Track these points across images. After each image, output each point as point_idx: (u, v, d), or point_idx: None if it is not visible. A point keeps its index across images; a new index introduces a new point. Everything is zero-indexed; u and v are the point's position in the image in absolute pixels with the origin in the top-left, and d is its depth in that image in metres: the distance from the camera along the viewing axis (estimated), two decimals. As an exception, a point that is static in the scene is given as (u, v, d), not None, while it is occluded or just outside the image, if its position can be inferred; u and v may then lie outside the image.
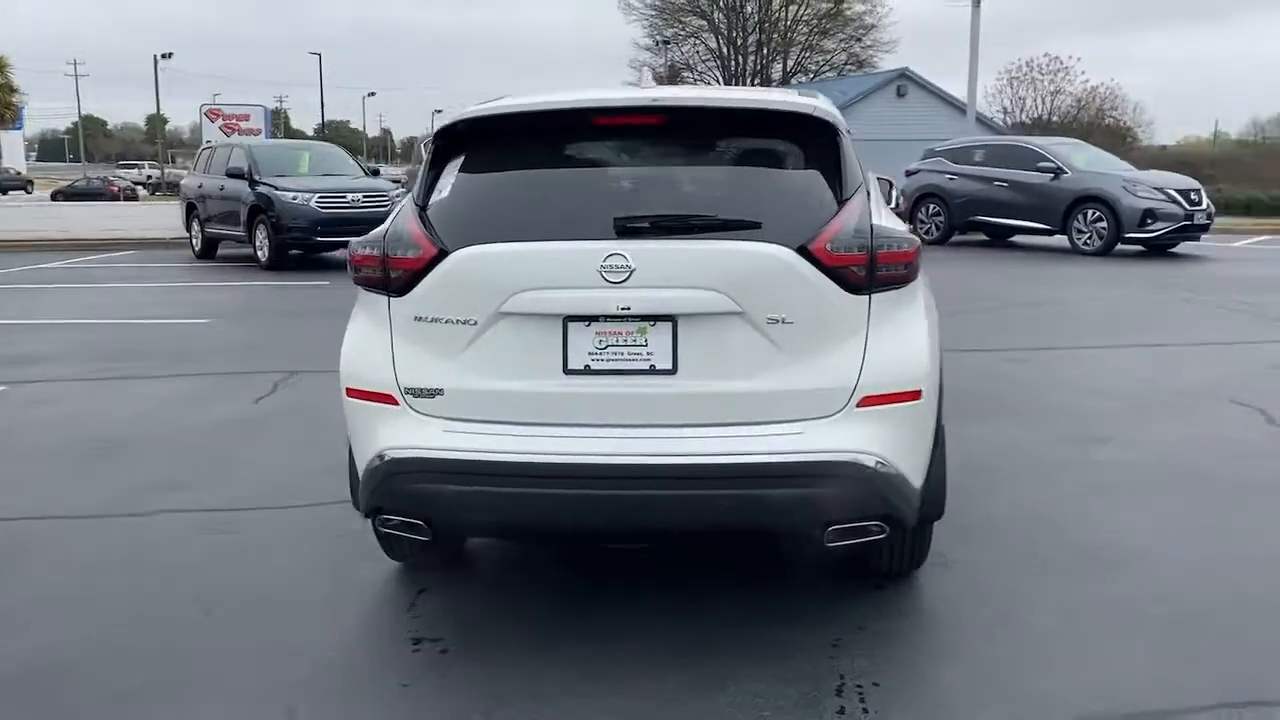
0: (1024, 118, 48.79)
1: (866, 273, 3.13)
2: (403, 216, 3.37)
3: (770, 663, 3.30)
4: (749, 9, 62.44)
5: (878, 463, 3.10)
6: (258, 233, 14.85)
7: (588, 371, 3.14)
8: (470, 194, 3.36)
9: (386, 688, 3.22)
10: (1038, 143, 18.44)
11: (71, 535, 4.52)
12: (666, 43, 61.78)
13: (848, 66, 60.86)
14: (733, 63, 62.88)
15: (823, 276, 3.10)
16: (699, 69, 65.58)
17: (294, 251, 14.87)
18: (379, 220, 13.60)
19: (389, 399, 3.26)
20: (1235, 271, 14.58)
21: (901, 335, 3.21)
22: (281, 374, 7.65)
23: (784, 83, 57.93)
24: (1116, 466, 5.31)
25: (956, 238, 18.52)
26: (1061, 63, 51.98)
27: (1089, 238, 16.29)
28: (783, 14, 62.23)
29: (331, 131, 78.62)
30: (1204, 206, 16.40)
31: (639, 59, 65.01)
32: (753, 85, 58.15)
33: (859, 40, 61.11)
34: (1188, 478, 5.15)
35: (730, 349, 3.11)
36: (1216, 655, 3.33)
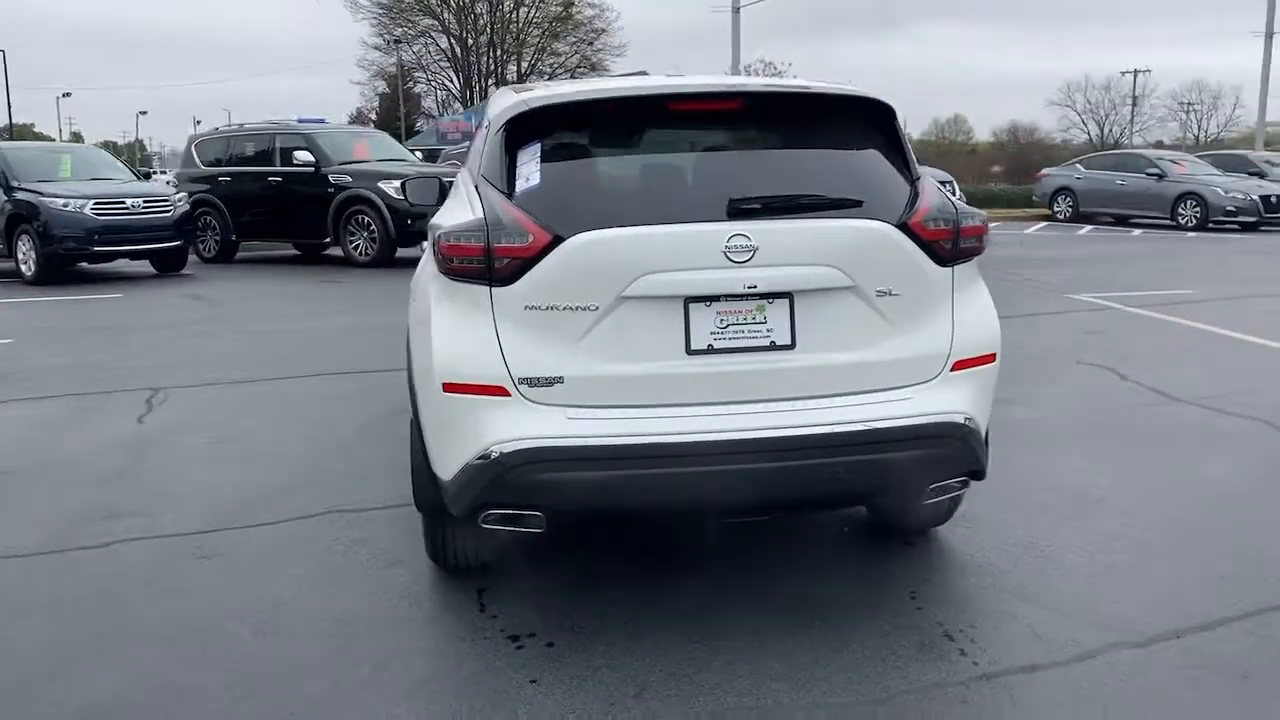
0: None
1: (952, 246, 3.36)
2: (495, 204, 3.25)
3: (867, 621, 3.48)
4: (479, 9, 62.23)
5: (967, 419, 3.34)
6: (20, 244, 13.37)
7: (710, 351, 3.19)
8: (568, 180, 3.33)
9: (516, 686, 3.13)
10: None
11: (33, 574, 4.03)
12: (397, 42, 60.47)
13: (580, 69, 61.93)
14: (466, 64, 62.47)
15: (919, 250, 3.30)
16: (432, 69, 64.79)
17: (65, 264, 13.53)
18: (165, 227, 12.85)
19: (499, 390, 3.15)
20: (995, 253, 16.13)
21: (977, 303, 3.47)
22: (146, 391, 7.03)
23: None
24: (1033, 423, 5.88)
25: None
26: (776, 68, 55.17)
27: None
28: (514, 16, 62.46)
29: (15, 135, 71.50)
30: (957, 195, 18.04)
31: (368, 58, 63.49)
32: (489, 87, 58.20)
33: (590, 44, 62.36)
34: (1092, 428, 5.80)
35: (843, 321, 3.25)
36: (1228, 568, 3.83)
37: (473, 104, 54.29)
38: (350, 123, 43.50)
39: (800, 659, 3.23)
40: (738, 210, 3.18)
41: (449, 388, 3.21)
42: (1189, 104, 78.28)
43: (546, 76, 60.76)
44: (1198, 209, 20.89)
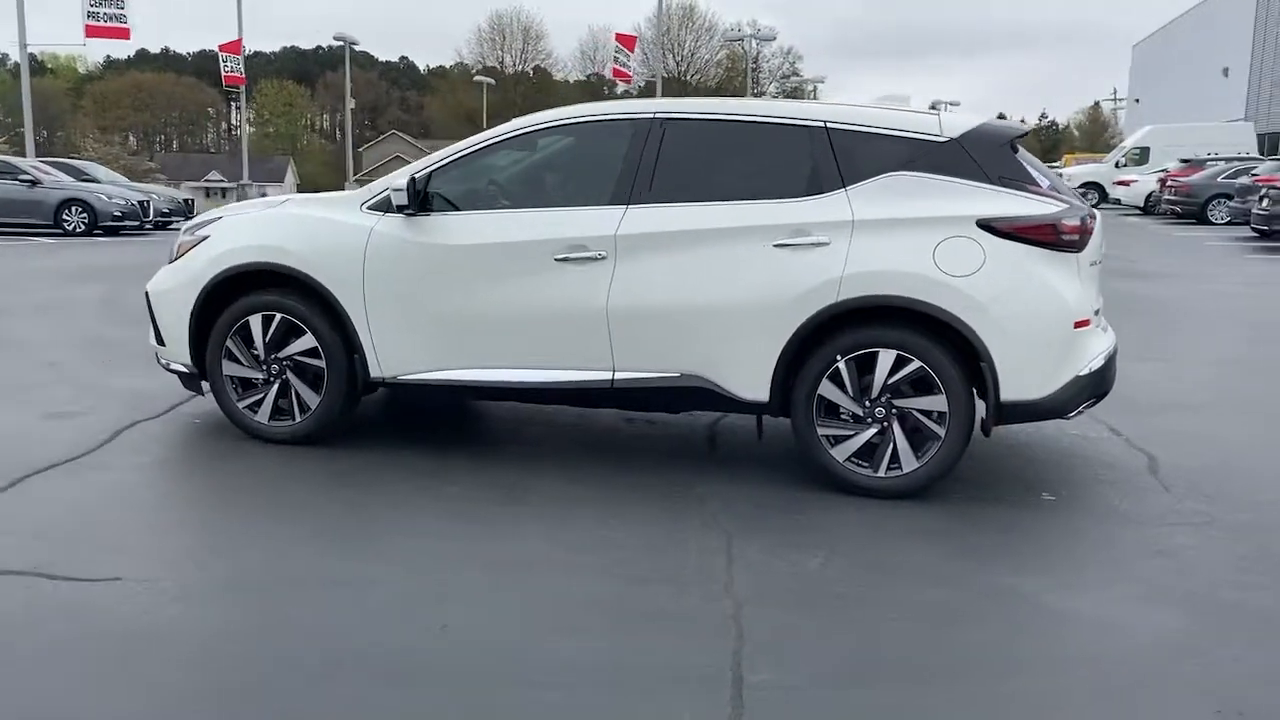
0: None
1: None
2: (1062, 195, 4.60)
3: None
4: None
5: None
6: None
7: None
8: (1045, 179, 4.70)
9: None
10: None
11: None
12: None
13: None
14: None
15: None
16: None
17: None
18: None
19: (1088, 323, 4.60)
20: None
21: None
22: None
23: None
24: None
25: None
26: None
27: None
28: None
29: None
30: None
31: None
32: None
33: None
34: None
35: None
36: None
37: None
38: None
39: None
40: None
41: (1078, 324, 4.52)
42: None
43: None
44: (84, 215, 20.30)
